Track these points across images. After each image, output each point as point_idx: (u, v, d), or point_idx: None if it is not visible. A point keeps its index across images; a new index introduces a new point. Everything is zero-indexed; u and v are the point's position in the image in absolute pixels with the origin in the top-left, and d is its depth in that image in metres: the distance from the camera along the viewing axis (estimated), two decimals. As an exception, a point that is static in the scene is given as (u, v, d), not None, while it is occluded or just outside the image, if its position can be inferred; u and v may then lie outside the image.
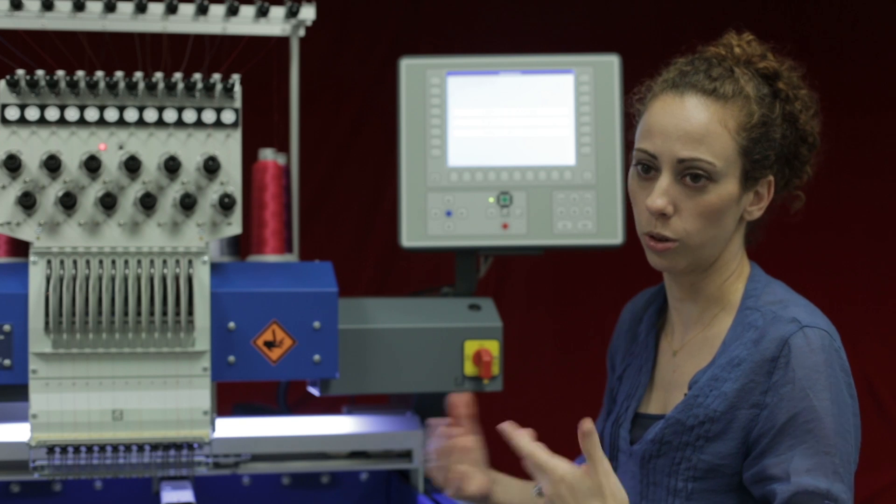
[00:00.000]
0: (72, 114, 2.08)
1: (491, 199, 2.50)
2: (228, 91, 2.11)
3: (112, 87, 2.08)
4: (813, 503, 1.61)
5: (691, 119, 1.73)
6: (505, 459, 3.78)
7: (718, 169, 1.72)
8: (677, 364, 1.83)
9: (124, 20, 2.29)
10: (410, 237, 2.49)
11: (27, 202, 2.04)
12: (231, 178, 2.12)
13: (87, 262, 2.05)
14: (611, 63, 2.52)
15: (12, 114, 2.06)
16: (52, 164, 2.05)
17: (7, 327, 2.06)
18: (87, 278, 2.04)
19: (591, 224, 2.49)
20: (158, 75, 2.09)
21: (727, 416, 1.69)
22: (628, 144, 1.88)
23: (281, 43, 2.40)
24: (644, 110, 1.82)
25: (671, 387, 1.82)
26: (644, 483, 1.78)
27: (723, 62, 1.79)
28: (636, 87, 1.89)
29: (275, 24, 2.35)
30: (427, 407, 2.55)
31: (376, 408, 2.66)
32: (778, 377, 1.66)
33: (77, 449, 2.07)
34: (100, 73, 2.08)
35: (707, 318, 1.81)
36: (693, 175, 1.72)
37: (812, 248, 3.79)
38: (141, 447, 2.08)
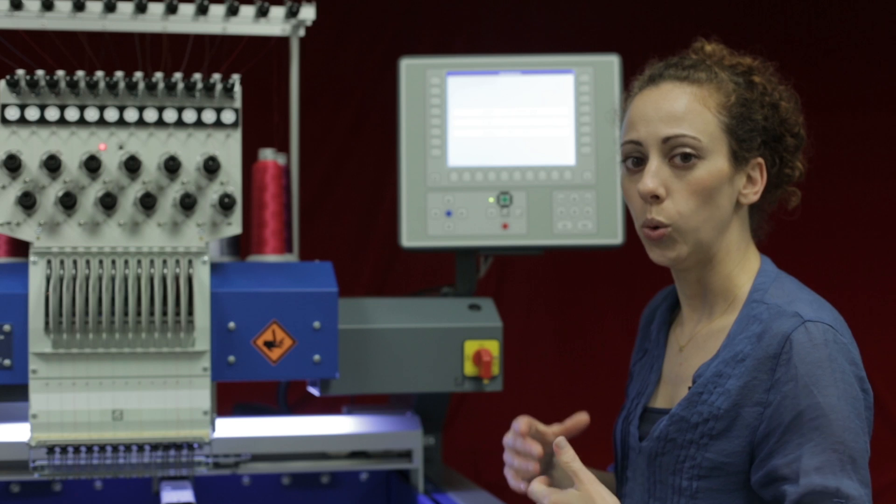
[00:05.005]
0: (72, 114, 2.07)
1: (491, 199, 2.50)
2: (228, 91, 2.11)
3: (112, 87, 2.08)
4: (823, 503, 1.61)
5: (671, 101, 1.75)
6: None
7: (704, 144, 1.72)
8: (684, 358, 1.83)
9: (124, 20, 2.29)
10: (410, 237, 2.49)
11: (27, 202, 2.03)
12: (231, 178, 2.12)
13: (87, 262, 2.05)
14: (611, 63, 2.52)
15: (12, 114, 2.06)
16: (52, 164, 2.04)
17: (7, 327, 2.06)
18: (87, 278, 2.04)
19: (591, 224, 2.49)
20: (158, 75, 2.09)
21: (731, 413, 1.69)
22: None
23: (281, 43, 2.40)
24: (625, 112, 1.83)
25: (678, 381, 1.82)
26: (651, 481, 1.78)
27: (695, 56, 1.82)
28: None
29: (275, 24, 2.35)
30: (427, 407, 2.56)
31: (376, 408, 2.66)
32: (780, 374, 1.65)
33: (77, 449, 2.07)
34: (100, 73, 2.08)
35: (716, 312, 1.80)
36: (682, 155, 1.72)
37: (810, 247, 3.78)
38: (141, 447, 2.08)
